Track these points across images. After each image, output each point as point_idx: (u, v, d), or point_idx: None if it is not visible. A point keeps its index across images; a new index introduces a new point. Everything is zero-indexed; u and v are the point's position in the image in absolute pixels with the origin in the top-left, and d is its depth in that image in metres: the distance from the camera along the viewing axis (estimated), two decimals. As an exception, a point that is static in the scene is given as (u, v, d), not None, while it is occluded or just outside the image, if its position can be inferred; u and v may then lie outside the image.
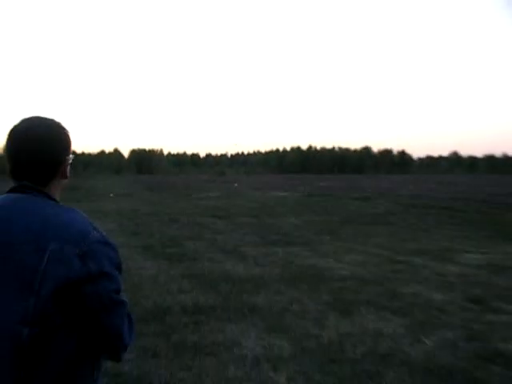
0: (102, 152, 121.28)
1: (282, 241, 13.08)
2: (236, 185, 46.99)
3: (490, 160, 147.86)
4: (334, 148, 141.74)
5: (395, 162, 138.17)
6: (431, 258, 10.99)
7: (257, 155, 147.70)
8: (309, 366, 5.17)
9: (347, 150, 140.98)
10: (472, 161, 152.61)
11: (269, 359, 5.32)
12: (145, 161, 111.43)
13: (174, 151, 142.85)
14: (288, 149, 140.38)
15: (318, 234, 14.70)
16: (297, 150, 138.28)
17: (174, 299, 7.44)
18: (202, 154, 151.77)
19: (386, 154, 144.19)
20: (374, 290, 8.14)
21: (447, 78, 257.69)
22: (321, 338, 5.96)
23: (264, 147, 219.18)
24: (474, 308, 7.26)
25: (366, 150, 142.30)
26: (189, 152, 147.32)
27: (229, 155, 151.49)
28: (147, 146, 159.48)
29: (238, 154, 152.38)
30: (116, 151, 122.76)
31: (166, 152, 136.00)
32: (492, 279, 9.09)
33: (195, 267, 9.74)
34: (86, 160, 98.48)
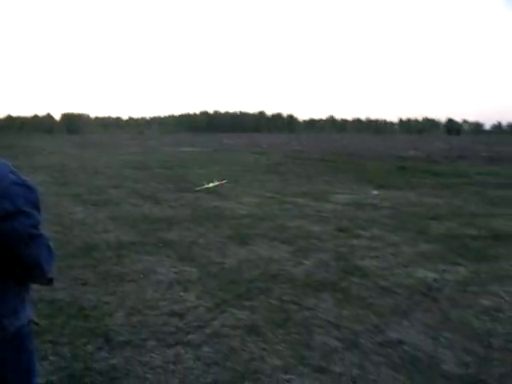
0: (36, 116, 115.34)
1: (191, 188, 13.02)
2: (152, 142, 46.10)
3: (357, 122, 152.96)
4: (235, 112, 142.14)
5: (285, 123, 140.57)
6: (311, 199, 11.33)
7: (171, 118, 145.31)
8: (213, 286, 5.26)
9: (246, 114, 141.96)
10: (343, 123, 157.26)
11: (180, 283, 5.36)
12: (74, 123, 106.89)
13: (100, 115, 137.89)
14: (198, 112, 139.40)
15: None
16: (205, 114, 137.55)
17: (100, 237, 7.30)
18: (125, 117, 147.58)
19: (278, 116, 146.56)
20: (267, 225, 8.32)
21: (326, 50, 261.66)
22: (223, 264, 6.06)
23: (177, 111, 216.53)
24: (341, 235, 7.61)
25: (262, 114, 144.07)
26: (113, 115, 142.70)
27: (148, 118, 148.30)
28: (76, 110, 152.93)
29: (155, 117, 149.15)
30: (48, 115, 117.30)
31: (93, 115, 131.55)
32: (356, 213, 9.53)
33: (118, 211, 9.56)
34: (21, 122, 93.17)
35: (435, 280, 5.51)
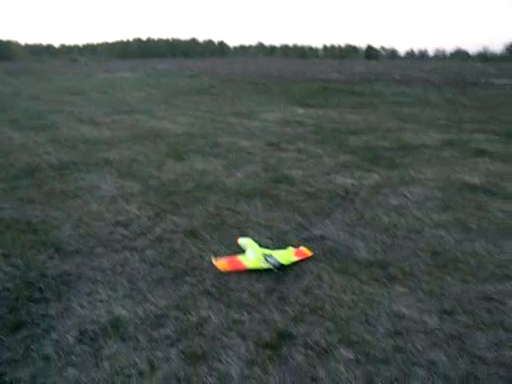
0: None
1: (127, 110, 12.65)
2: (86, 64, 43.77)
3: (284, 48, 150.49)
4: (167, 38, 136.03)
5: (216, 49, 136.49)
6: (242, 118, 11.33)
7: (104, 45, 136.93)
8: (153, 198, 5.31)
9: (178, 40, 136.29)
10: (272, 48, 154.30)
11: (123, 196, 5.37)
12: (3, 50, 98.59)
13: (30, 42, 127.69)
14: (130, 39, 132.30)
15: (156, 104, 14.36)
16: (138, 40, 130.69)
17: (41, 159, 7.07)
18: (57, 45, 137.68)
19: (209, 43, 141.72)
20: (201, 142, 8.32)
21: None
22: (161, 178, 6.08)
23: (110, 38, 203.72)
24: (269, 149, 7.75)
25: (194, 40, 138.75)
26: (44, 42, 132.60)
27: (80, 45, 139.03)
28: (4, 37, 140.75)
29: (88, 44, 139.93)
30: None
31: (23, 42, 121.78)
32: (283, 130, 9.67)
33: (57, 134, 9.20)
34: None
35: (353, 185, 5.81)
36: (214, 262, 3.73)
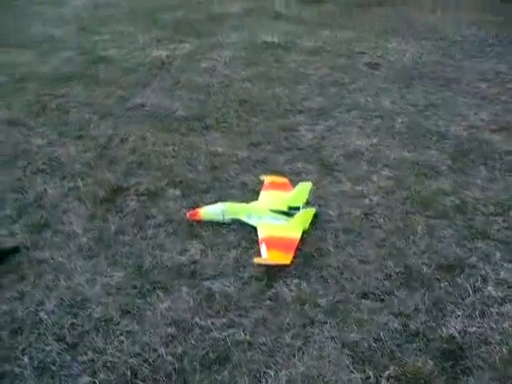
0: None
1: None
2: None
3: None
4: None
5: None
6: (52, 4, 9.94)
7: None
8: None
9: None
10: None
11: None
12: None
13: None
14: None
15: None
16: None
17: None
18: None
19: None
20: (6, 32, 7.23)
21: None
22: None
23: None
24: (83, 33, 7.04)
25: None
26: None
27: None
28: None
29: None
30: None
31: None
32: (95, 13, 8.72)
33: None
34: None
35: (167, 56, 5.72)
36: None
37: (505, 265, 2.30)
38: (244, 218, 2.57)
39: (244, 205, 2.67)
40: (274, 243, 2.31)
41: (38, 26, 7.83)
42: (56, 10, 9.46)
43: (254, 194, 2.86)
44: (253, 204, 2.71)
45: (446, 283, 2.18)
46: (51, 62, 5.69)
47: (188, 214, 2.62)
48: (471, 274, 2.24)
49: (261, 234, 2.39)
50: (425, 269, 2.26)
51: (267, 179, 2.97)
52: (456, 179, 3.05)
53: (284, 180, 2.98)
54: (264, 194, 2.82)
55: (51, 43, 6.61)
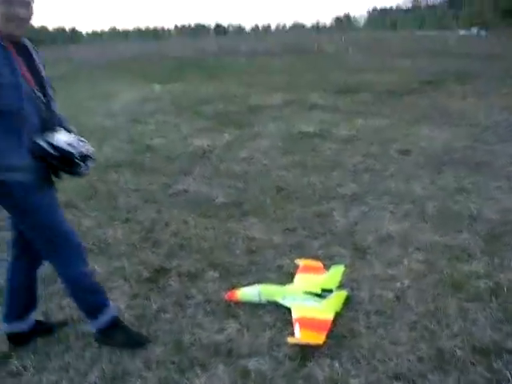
0: None
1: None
2: None
3: (138, 31, 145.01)
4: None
5: (68, 36, 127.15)
6: (101, 100, 11.05)
7: None
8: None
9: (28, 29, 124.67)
10: (125, 32, 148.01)
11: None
12: None
13: None
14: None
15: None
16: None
17: None
18: None
19: (61, 30, 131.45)
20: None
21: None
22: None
23: None
24: (131, 125, 7.78)
25: (44, 28, 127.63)
26: None
27: None
28: None
29: None
30: None
31: None
32: (142, 106, 9.69)
33: None
34: None
35: (208, 145, 6.19)
36: None
37: (545, 351, 2.30)
38: (279, 300, 2.70)
39: (279, 287, 2.81)
40: (307, 323, 2.42)
41: (91, 118, 8.65)
42: (107, 103, 10.44)
43: (288, 277, 3.00)
44: (288, 286, 2.84)
45: (482, 368, 2.20)
46: (103, 151, 6.24)
47: (226, 295, 2.78)
48: (509, 359, 2.25)
49: (294, 315, 2.51)
50: (458, 352, 2.29)
51: (302, 263, 3.12)
52: (489, 262, 3.11)
53: (318, 264, 3.12)
54: (298, 277, 2.96)
55: (103, 133, 7.28)
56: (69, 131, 2.22)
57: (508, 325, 2.48)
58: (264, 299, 2.71)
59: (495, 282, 2.87)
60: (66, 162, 2.10)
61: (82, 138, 2.22)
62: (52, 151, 2.05)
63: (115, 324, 2.42)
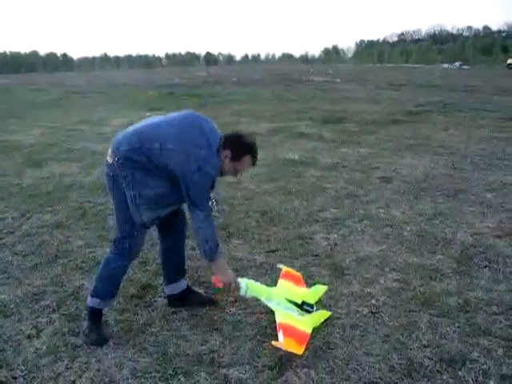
0: None
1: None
2: None
3: (128, 58, 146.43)
4: (4, 52, 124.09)
5: (60, 62, 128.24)
6: (92, 125, 11.28)
7: None
8: (16, 202, 5.31)
9: (17, 54, 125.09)
10: (116, 59, 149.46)
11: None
12: None
13: None
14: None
15: (5, 118, 13.41)
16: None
17: None
18: None
19: (52, 55, 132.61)
20: (55, 150, 8.24)
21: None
22: (21, 184, 6.05)
23: None
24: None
25: (35, 53, 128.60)
26: None
27: None
28: None
29: None
30: None
31: None
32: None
33: None
34: None
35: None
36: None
37: (507, 361, 2.47)
38: (263, 299, 2.83)
39: (265, 287, 2.92)
40: (290, 332, 2.54)
41: (81, 142, 8.84)
42: (99, 128, 10.66)
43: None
44: (272, 289, 2.97)
45: (448, 376, 2.36)
46: (92, 174, 6.41)
47: (214, 279, 2.82)
48: (473, 368, 2.42)
49: (278, 319, 2.64)
50: (427, 362, 2.46)
51: (284, 268, 3.25)
52: (460, 281, 3.30)
53: (298, 274, 3.26)
54: (281, 283, 3.09)
55: (93, 157, 7.45)
56: None
57: (474, 338, 2.66)
58: (249, 294, 2.83)
59: (464, 299, 3.06)
60: None
61: None
62: None
63: (94, 315, 2.80)
